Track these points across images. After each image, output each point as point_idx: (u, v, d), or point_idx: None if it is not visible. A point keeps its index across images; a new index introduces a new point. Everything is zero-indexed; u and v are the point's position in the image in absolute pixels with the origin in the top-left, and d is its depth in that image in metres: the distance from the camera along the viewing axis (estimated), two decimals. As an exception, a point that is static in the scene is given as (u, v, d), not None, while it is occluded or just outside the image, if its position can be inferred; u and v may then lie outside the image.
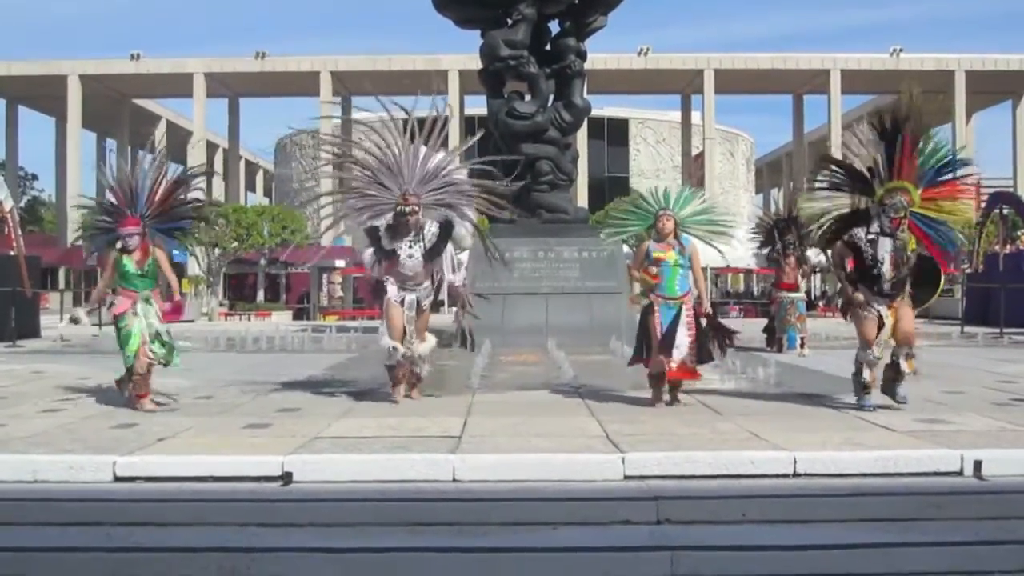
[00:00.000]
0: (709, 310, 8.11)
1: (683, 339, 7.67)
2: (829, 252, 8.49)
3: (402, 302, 8.15)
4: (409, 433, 6.46)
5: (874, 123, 7.62)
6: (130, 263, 7.92)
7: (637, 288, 7.98)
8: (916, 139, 7.45)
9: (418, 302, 8.22)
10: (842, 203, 7.86)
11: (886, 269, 7.35)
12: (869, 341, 7.47)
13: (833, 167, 8.00)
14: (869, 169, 7.57)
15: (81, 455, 5.69)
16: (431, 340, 8.48)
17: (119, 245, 7.99)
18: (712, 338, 7.95)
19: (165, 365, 8.01)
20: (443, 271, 8.34)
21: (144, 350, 7.79)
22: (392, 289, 8.15)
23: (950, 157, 7.69)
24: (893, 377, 7.51)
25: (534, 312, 15.07)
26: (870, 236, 7.40)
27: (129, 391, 7.93)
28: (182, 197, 8.49)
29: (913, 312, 7.65)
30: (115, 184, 8.28)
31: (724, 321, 8.69)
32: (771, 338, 14.44)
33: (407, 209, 7.94)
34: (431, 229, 8.13)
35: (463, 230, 8.56)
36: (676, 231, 7.89)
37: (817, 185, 8.33)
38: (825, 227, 8.04)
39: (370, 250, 8.35)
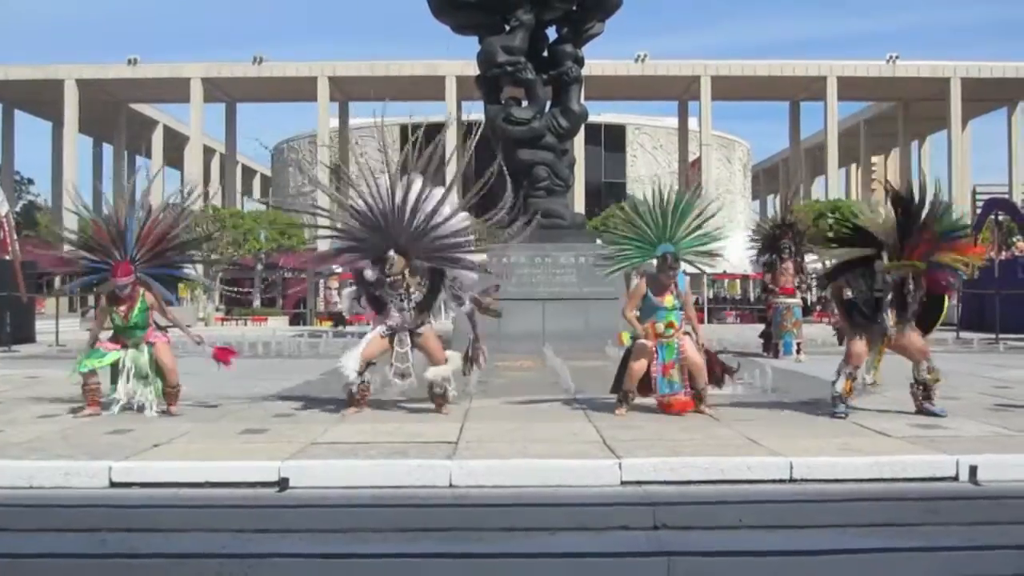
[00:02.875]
0: (706, 345, 8.10)
1: (677, 377, 7.69)
2: (829, 290, 8.51)
3: (392, 335, 7.92)
4: (406, 439, 6.45)
5: (896, 204, 7.59)
6: (117, 316, 7.84)
7: (628, 330, 7.86)
8: (929, 225, 7.49)
9: (411, 333, 7.95)
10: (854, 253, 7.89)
11: (889, 319, 7.51)
12: (852, 358, 7.62)
13: (843, 227, 8.09)
14: (881, 240, 7.55)
15: (77, 461, 5.69)
16: (454, 360, 8.13)
17: (108, 293, 7.89)
18: (713, 376, 7.98)
19: (139, 409, 7.85)
20: (448, 311, 8.31)
21: (90, 376, 7.76)
22: (380, 328, 7.98)
23: (957, 227, 7.73)
24: (924, 395, 7.62)
25: (531, 318, 15.08)
26: (876, 293, 7.52)
27: (84, 391, 7.86)
28: (177, 240, 8.29)
29: (918, 333, 7.69)
30: (100, 221, 8.15)
31: (723, 357, 8.66)
32: (767, 344, 14.46)
33: (387, 279, 7.75)
34: (422, 280, 7.94)
35: (466, 274, 8.16)
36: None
37: (830, 236, 8.39)
38: (829, 268, 8.13)
39: (349, 291, 8.17)
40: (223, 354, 8.30)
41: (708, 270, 9.58)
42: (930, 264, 7.50)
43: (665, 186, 8.39)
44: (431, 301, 8.01)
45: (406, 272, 7.86)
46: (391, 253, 7.73)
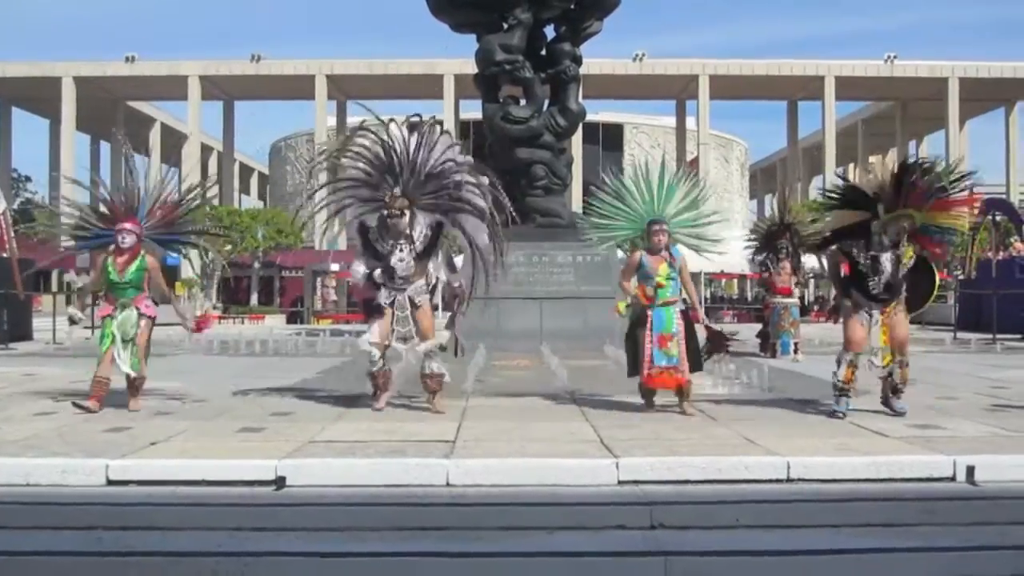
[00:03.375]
0: (703, 318, 8.07)
1: (676, 351, 7.63)
2: (823, 258, 8.52)
3: (392, 303, 7.84)
4: (403, 437, 6.44)
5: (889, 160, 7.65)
6: (113, 270, 7.82)
7: (626, 299, 7.87)
8: (925, 173, 7.52)
9: (411, 300, 7.85)
10: (847, 217, 7.86)
11: (885, 279, 7.40)
12: (851, 344, 7.54)
13: (838, 187, 8.03)
14: (875, 193, 7.56)
15: (74, 458, 5.68)
16: (442, 336, 8.11)
17: (111, 246, 7.91)
18: (710, 346, 7.96)
19: (123, 370, 7.82)
20: (438, 272, 8.10)
21: (108, 359, 7.75)
22: (382, 292, 7.85)
23: (952, 179, 7.70)
24: (892, 389, 7.56)
25: (528, 317, 15.08)
26: (872, 253, 7.44)
27: (91, 386, 7.84)
28: (184, 218, 8.49)
29: (907, 318, 7.67)
30: (112, 195, 8.26)
31: (719, 327, 8.63)
32: (765, 343, 14.46)
33: (389, 213, 7.70)
34: (423, 231, 7.88)
35: (470, 222, 8.14)
36: (667, 241, 7.85)
37: (823, 201, 8.38)
38: (822, 235, 8.11)
39: (359, 266, 8.07)
40: (203, 322, 8.58)
41: (707, 265, 9.57)
42: (924, 228, 7.51)
43: (652, 169, 8.28)
44: (431, 251, 7.93)
45: (406, 216, 7.77)
46: (396, 190, 7.76)
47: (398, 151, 7.89)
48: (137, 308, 7.89)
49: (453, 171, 8.02)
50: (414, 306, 7.91)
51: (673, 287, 7.70)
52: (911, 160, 7.66)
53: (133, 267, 7.83)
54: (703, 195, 8.31)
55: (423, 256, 7.90)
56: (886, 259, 7.37)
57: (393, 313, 7.87)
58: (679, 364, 7.61)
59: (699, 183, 8.45)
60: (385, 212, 7.76)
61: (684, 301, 7.78)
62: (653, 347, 7.63)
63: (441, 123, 8.49)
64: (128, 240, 7.83)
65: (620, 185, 8.17)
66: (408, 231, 7.79)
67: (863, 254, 7.46)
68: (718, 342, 8.04)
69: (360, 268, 8.02)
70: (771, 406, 8.17)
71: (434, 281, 8.08)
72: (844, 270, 7.72)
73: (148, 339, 8.02)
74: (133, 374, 7.82)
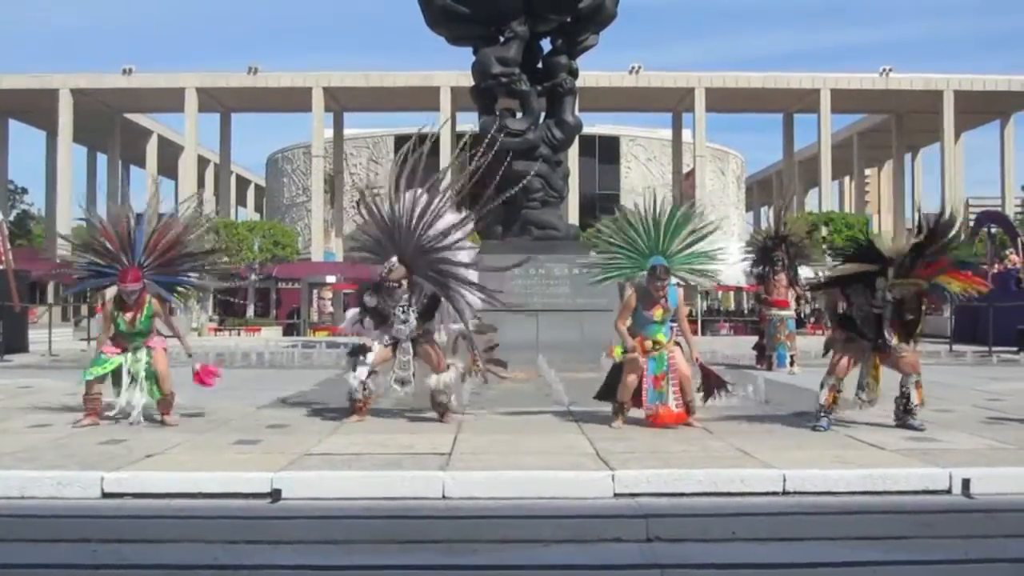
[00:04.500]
0: (700, 358, 8.03)
1: (667, 388, 7.67)
2: (823, 300, 8.56)
3: (395, 345, 8.05)
4: (399, 450, 6.44)
5: (922, 235, 7.59)
6: (123, 321, 7.87)
7: (621, 344, 7.85)
8: (948, 264, 7.54)
9: (412, 341, 8.07)
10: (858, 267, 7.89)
11: (891, 338, 7.51)
12: (836, 370, 7.63)
13: (859, 245, 8.13)
14: (890, 257, 7.58)
15: (69, 471, 5.67)
16: (455, 368, 8.23)
17: (115, 296, 7.94)
18: (706, 386, 7.98)
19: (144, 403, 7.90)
20: (441, 327, 8.32)
21: (94, 385, 7.79)
22: (376, 345, 8.03)
23: (970, 259, 7.76)
24: (905, 408, 7.61)
25: (525, 329, 15.05)
26: (875, 309, 7.51)
27: (84, 400, 7.89)
28: (185, 250, 8.38)
29: (908, 348, 7.69)
30: (108, 225, 8.21)
31: (715, 368, 8.58)
32: (761, 356, 14.47)
33: (387, 282, 7.88)
34: (422, 293, 8.06)
35: (455, 321, 8.35)
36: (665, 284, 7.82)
37: (842, 245, 8.45)
38: (827, 277, 8.16)
39: (353, 311, 8.24)
40: (206, 376, 8.24)
41: (701, 287, 9.63)
42: (932, 285, 7.54)
43: (660, 197, 8.41)
44: (432, 311, 8.13)
45: (404, 283, 7.96)
46: (393, 259, 7.92)
47: (403, 220, 8.01)
48: (148, 347, 7.99)
49: (451, 246, 8.14)
50: (417, 344, 8.10)
51: (666, 330, 7.75)
52: (941, 221, 7.55)
53: (142, 316, 7.91)
54: (709, 228, 8.40)
55: (425, 316, 8.12)
56: (886, 315, 7.48)
57: (395, 356, 8.03)
58: (676, 400, 7.66)
59: (705, 218, 8.53)
60: (382, 276, 7.92)
61: (677, 342, 7.83)
62: (648, 387, 7.69)
63: (438, 138, 8.56)
64: (133, 297, 7.86)
65: (626, 221, 8.24)
66: (408, 295, 8.01)
67: (865, 301, 7.53)
68: (714, 382, 8.07)
69: (352, 314, 8.29)
70: (767, 419, 8.18)
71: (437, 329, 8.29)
72: (843, 307, 7.81)
73: (166, 361, 8.06)
74: (150, 412, 7.92)
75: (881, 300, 7.48)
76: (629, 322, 7.77)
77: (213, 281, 9.11)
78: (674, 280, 7.96)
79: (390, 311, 7.96)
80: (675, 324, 7.88)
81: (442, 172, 8.41)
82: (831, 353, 7.83)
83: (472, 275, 8.26)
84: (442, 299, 8.15)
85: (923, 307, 7.70)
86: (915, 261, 7.44)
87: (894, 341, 7.51)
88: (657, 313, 7.69)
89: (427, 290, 8.10)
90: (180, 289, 8.64)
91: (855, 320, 7.64)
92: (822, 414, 7.58)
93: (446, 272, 8.10)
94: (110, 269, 8.10)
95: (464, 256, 8.28)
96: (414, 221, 8.01)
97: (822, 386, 7.66)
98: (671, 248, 8.01)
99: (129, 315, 7.86)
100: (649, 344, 7.68)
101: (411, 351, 8.06)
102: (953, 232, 7.56)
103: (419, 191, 8.10)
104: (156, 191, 8.62)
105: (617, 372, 7.88)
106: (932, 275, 7.45)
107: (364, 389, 7.97)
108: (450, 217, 8.20)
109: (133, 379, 7.89)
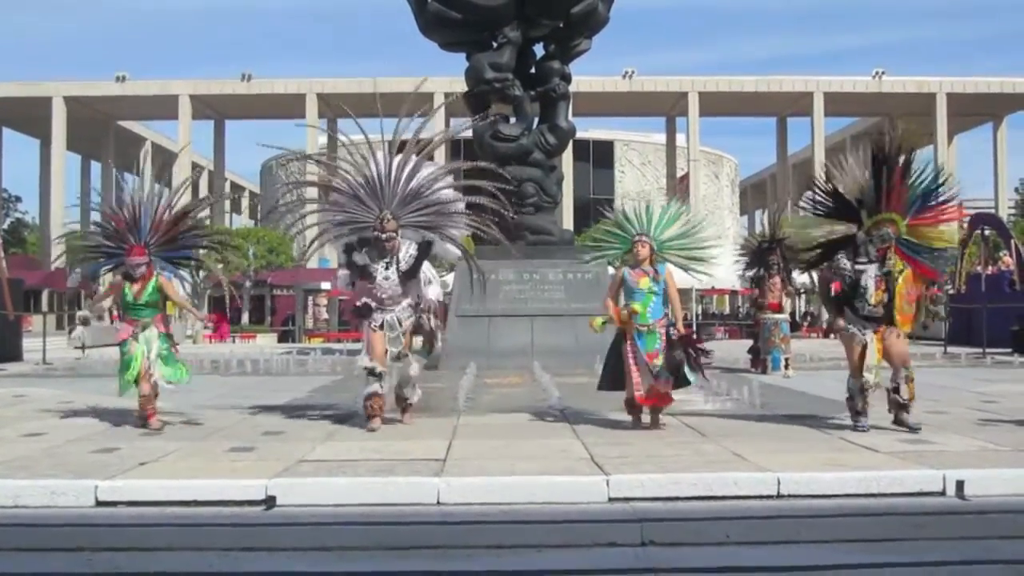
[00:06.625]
0: (682, 330, 7.98)
1: (655, 366, 7.66)
2: (814, 275, 8.58)
3: (381, 325, 7.96)
4: (393, 456, 6.44)
5: (863, 152, 7.69)
6: (129, 293, 8.13)
7: (604, 316, 7.91)
8: (905, 171, 7.55)
9: (399, 320, 8.00)
10: (837, 229, 7.90)
11: (871, 295, 7.42)
12: (856, 368, 7.54)
13: (821, 194, 8.05)
14: (857, 199, 7.63)
15: (63, 479, 5.66)
16: (417, 362, 8.25)
17: (123, 272, 8.24)
18: (684, 357, 7.91)
19: (173, 383, 8.13)
20: (420, 291, 8.19)
21: (146, 375, 7.95)
22: (374, 315, 7.98)
23: (934, 185, 7.75)
24: (899, 405, 7.57)
25: (519, 334, 15.08)
26: (858, 265, 7.48)
27: (137, 412, 8.07)
28: (189, 225, 8.69)
29: (903, 335, 7.69)
30: (115, 209, 8.48)
31: (704, 346, 8.53)
32: (756, 359, 14.47)
33: (383, 236, 7.89)
34: (409, 251, 8.01)
35: (448, 246, 8.48)
36: (652, 258, 7.90)
37: (803, 211, 8.44)
38: (812, 252, 8.13)
39: (344, 272, 8.29)
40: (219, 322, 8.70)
41: (695, 284, 9.68)
42: (914, 249, 7.57)
43: (653, 202, 8.49)
44: (417, 269, 8.06)
45: (396, 239, 7.98)
46: (387, 213, 7.97)
47: (380, 171, 8.12)
48: (156, 328, 8.17)
49: (437, 186, 8.30)
50: (403, 322, 8.06)
51: (655, 306, 7.73)
52: (884, 148, 7.63)
53: (148, 289, 8.16)
54: (702, 226, 8.51)
55: (408, 276, 8.01)
56: (871, 274, 7.42)
57: (385, 335, 7.96)
58: (662, 375, 7.63)
59: (697, 218, 8.66)
60: (375, 235, 7.93)
61: (667, 316, 7.79)
62: (643, 365, 7.66)
63: (429, 141, 8.61)
64: (140, 270, 8.17)
65: (623, 216, 8.35)
66: (395, 250, 7.98)
67: (851, 264, 7.51)
68: (694, 350, 7.94)
69: (344, 273, 8.34)
70: (761, 422, 8.19)
71: (419, 301, 8.19)
72: (835, 288, 7.77)
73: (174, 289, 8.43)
74: (172, 385, 8.15)
75: (864, 255, 7.47)
76: (621, 303, 7.87)
77: (212, 260, 9.59)
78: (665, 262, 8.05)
79: (374, 270, 7.94)
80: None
81: (416, 133, 8.58)
82: (845, 354, 7.78)
83: (459, 205, 8.45)
84: (429, 250, 8.15)
85: (921, 292, 7.75)
86: (879, 191, 7.47)
87: (873, 300, 7.43)
88: (643, 282, 7.75)
89: (414, 247, 8.06)
90: (183, 263, 8.87)
91: (851, 301, 7.54)
92: (860, 415, 7.56)
93: (432, 212, 8.23)
94: (118, 250, 8.41)
95: (447, 195, 8.42)
96: (395, 173, 8.11)
97: (852, 393, 7.57)
98: (662, 236, 8.05)
99: (136, 287, 8.13)
100: (626, 314, 7.72)
101: (399, 327, 7.99)
102: (904, 158, 7.57)
103: (396, 154, 8.25)
104: (152, 188, 8.70)
105: (613, 355, 7.94)
106: (901, 209, 7.48)
107: (380, 387, 7.85)
108: (428, 170, 8.36)
109: (158, 356, 8.07)
